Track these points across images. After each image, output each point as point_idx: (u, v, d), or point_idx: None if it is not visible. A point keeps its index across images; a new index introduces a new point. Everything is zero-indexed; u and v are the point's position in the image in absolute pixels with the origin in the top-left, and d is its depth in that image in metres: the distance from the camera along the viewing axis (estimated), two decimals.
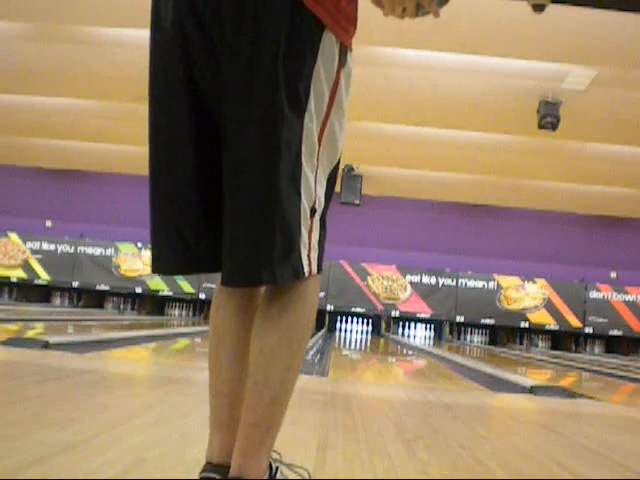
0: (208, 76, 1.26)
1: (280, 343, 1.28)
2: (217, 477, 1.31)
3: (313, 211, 1.29)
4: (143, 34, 6.89)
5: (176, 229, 1.31)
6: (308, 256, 1.29)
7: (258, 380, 1.28)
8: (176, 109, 1.29)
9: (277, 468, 1.42)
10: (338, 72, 1.33)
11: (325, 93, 1.29)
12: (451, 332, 14.02)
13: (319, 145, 1.30)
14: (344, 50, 1.34)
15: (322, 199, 1.32)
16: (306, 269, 1.28)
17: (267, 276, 1.24)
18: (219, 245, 1.28)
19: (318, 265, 1.32)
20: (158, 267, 1.36)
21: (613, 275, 14.49)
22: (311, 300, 1.32)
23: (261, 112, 1.22)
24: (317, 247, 1.32)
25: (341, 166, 1.46)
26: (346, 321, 14.34)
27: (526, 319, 13.89)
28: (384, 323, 14.10)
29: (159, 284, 13.92)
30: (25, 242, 14.00)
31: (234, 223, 1.24)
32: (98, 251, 14.03)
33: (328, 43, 1.28)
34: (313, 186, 1.28)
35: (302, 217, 1.26)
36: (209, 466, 1.36)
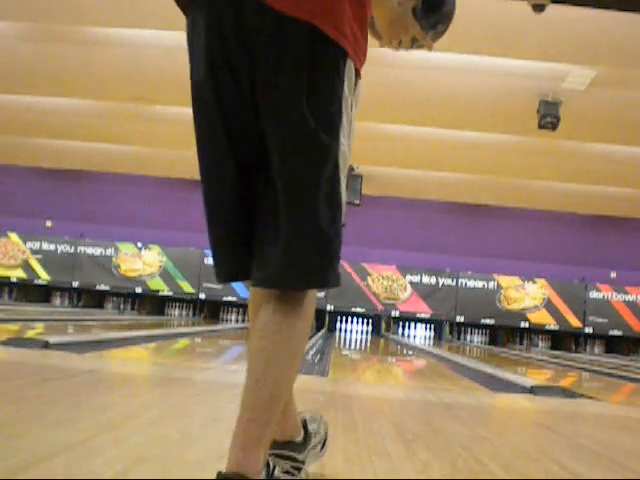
0: (244, 111, 1.38)
1: (283, 342, 1.33)
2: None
3: (339, 209, 1.39)
4: (143, 34, 6.91)
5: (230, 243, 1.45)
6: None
7: (259, 377, 1.32)
8: (218, 149, 1.51)
9: (274, 466, 1.47)
10: (354, 93, 1.46)
11: (350, 113, 1.43)
12: (451, 332, 14.02)
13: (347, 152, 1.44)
14: (358, 75, 1.47)
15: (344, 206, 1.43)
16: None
17: (319, 281, 1.36)
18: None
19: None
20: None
21: (613, 275, 14.49)
22: (313, 302, 1.40)
23: (300, 140, 1.33)
24: None
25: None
26: (346, 321, 14.34)
27: (526, 319, 13.89)
28: (384, 323, 14.10)
29: (159, 284, 13.93)
30: (25, 242, 14.00)
31: (288, 237, 1.34)
32: (98, 251, 14.03)
33: (349, 68, 1.40)
34: (344, 196, 1.41)
35: (335, 213, 1.37)
36: None
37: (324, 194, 1.34)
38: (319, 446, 1.69)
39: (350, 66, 1.40)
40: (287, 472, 1.53)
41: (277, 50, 1.31)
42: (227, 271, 1.46)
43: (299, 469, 1.56)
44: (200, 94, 1.41)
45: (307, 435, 1.65)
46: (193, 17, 1.40)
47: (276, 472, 1.47)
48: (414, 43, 1.72)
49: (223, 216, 1.44)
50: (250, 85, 1.35)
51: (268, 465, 1.45)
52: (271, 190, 1.35)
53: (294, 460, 1.56)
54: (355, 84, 1.45)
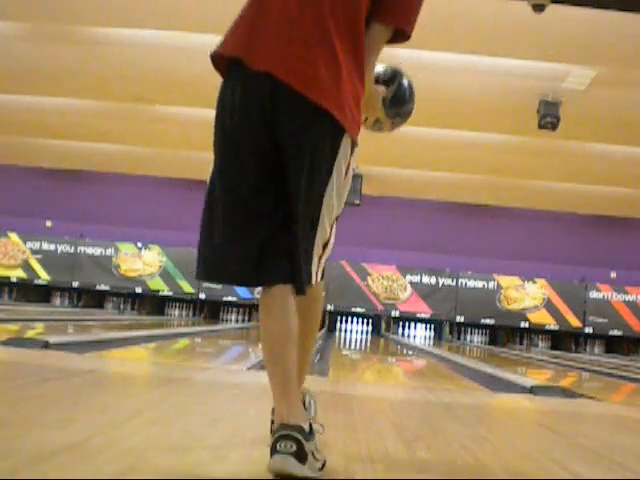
0: (269, 155, 1.80)
1: (308, 326, 1.95)
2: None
3: (325, 245, 1.86)
4: (143, 34, 6.90)
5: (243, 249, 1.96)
6: (316, 273, 1.85)
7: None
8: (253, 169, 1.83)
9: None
10: (349, 158, 1.85)
11: (342, 172, 1.83)
12: (451, 332, 14.02)
13: (336, 204, 1.85)
14: (354, 144, 1.85)
15: (332, 238, 1.89)
16: (314, 280, 1.85)
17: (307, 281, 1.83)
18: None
19: (322, 275, 1.92)
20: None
21: (613, 275, 14.49)
22: (321, 295, 1.99)
23: (304, 193, 1.78)
24: (323, 264, 1.89)
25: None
26: (346, 321, 14.34)
27: (526, 319, 13.89)
28: (384, 323, 14.10)
29: (159, 284, 13.93)
30: (25, 242, 14.00)
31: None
32: (98, 251, 14.03)
33: (345, 141, 1.80)
34: (328, 230, 1.86)
35: (315, 250, 1.83)
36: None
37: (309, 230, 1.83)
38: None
39: (347, 139, 1.80)
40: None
41: (298, 123, 1.75)
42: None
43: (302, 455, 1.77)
44: (235, 138, 1.81)
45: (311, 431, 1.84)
46: (231, 84, 1.81)
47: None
48: (375, 124, 2.12)
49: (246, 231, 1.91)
50: (276, 138, 1.77)
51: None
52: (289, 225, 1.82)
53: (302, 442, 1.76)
54: (352, 150, 1.85)
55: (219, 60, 1.85)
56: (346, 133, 1.79)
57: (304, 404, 1.94)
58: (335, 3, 1.75)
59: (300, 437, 1.63)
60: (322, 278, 1.91)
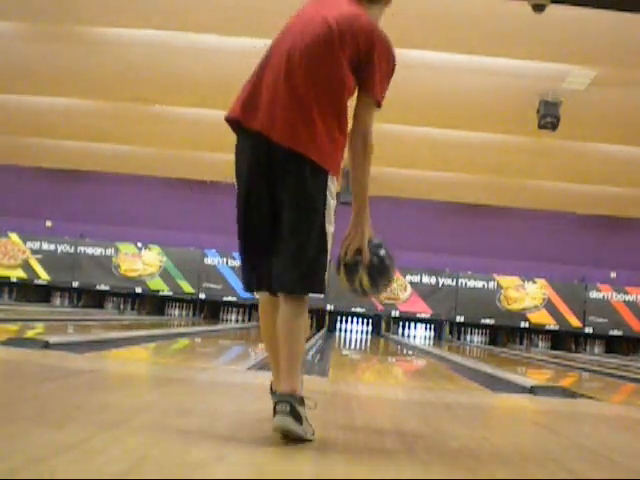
0: (269, 195, 2.33)
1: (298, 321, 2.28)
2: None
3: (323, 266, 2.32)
4: (143, 34, 6.89)
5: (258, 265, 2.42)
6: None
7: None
8: (260, 212, 2.38)
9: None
10: (333, 188, 2.34)
11: (331, 203, 2.33)
12: (451, 332, 14.02)
13: (330, 226, 2.35)
14: (335, 178, 2.34)
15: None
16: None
17: (318, 289, 2.29)
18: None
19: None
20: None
21: (613, 275, 14.49)
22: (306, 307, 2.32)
23: (302, 223, 2.27)
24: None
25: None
26: (346, 321, 14.34)
27: (526, 319, 13.89)
28: (384, 323, 14.10)
29: (159, 284, 13.93)
30: (25, 242, 14.00)
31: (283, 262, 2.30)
32: (98, 251, 14.03)
33: (330, 177, 2.31)
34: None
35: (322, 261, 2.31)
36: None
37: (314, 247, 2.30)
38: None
39: (332, 176, 2.31)
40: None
41: (289, 167, 2.25)
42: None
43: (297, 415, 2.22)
44: (247, 183, 2.40)
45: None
46: (242, 139, 2.37)
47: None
48: (356, 290, 2.40)
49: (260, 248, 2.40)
50: (274, 182, 2.28)
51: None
52: (284, 242, 2.28)
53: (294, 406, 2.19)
54: (337, 181, 2.36)
55: (229, 121, 2.37)
56: (327, 170, 2.27)
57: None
58: (317, 81, 2.26)
59: (293, 401, 2.06)
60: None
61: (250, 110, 2.29)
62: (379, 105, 2.40)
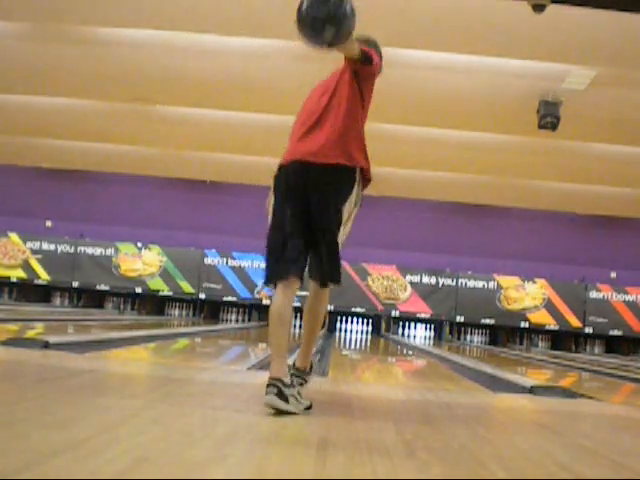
0: (308, 203, 2.84)
1: (320, 312, 3.03)
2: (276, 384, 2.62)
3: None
4: (143, 34, 6.88)
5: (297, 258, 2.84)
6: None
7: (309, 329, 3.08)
8: (299, 217, 2.84)
9: (311, 367, 3.16)
10: (359, 193, 2.98)
11: (353, 204, 2.95)
12: (451, 332, 14.03)
13: (346, 226, 2.93)
14: (367, 179, 3.03)
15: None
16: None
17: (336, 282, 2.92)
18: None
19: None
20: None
21: (613, 275, 14.49)
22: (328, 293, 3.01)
23: (327, 222, 2.85)
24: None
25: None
26: (346, 321, 14.34)
27: (526, 319, 13.90)
28: (384, 323, 14.10)
29: (159, 284, 13.93)
30: (25, 242, 14.01)
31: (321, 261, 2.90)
32: (98, 251, 14.03)
33: (359, 176, 2.94)
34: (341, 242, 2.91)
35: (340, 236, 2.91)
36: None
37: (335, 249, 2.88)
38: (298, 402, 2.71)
39: (359, 181, 2.94)
40: (300, 384, 3.00)
41: (324, 179, 2.82)
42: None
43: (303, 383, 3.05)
44: (289, 198, 2.85)
45: (311, 369, 3.16)
46: (285, 169, 2.91)
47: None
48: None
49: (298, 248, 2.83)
50: (308, 195, 2.83)
51: (311, 366, 3.18)
52: (317, 244, 2.85)
53: (304, 378, 3.09)
54: (364, 184, 3.01)
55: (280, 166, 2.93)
56: (357, 169, 2.90)
57: (310, 368, 3.16)
58: (327, 107, 2.85)
59: (280, 385, 2.59)
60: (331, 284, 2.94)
61: (290, 149, 3.04)
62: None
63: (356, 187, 2.90)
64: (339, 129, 2.80)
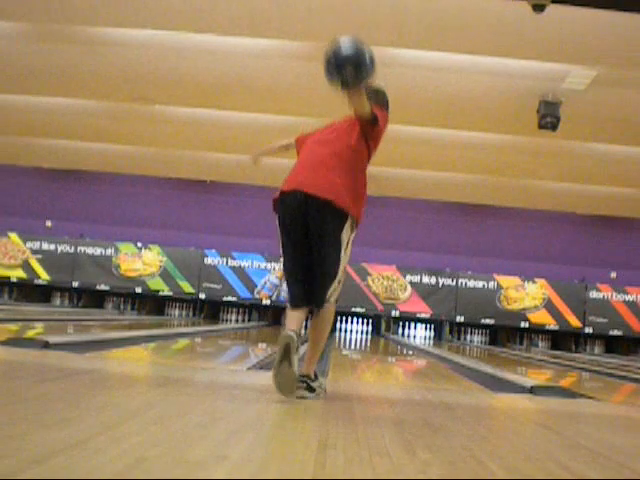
0: (306, 234, 3.20)
1: (323, 328, 3.31)
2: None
3: (339, 282, 3.28)
4: (143, 34, 6.89)
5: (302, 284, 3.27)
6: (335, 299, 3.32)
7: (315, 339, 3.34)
8: (299, 246, 3.24)
9: (315, 374, 3.32)
10: (353, 231, 3.29)
11: (349, 240, 3.27)
12: (451, 332, 14.03)
13: (345, 258, 3.28)
14: (357, 223, 3.30)
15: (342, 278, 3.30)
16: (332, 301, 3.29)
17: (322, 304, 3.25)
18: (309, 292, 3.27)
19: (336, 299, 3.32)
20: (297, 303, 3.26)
21: (613, 275, 14.49)
22: (333, 312, 3.33)
23: (326, 254, 3.21)
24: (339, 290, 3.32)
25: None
26: (346, 321, 14.35)
27: (526, 319, 13.90)
28: (384, 323, 14.10)
29: (159, 284, 13.93)
30: (25, 242, 14.01)
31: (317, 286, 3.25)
32: (98, 251, 14.03)
33: (350, 221, 3.22)
34: (341, 274, 3.28)
35: (335, 284, 3.25)
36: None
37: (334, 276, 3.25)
38: (322, 391, 3.30)
39: (352, 219, 3.23)
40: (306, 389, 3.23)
41: (321, 214, 3.14)
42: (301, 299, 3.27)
43: (311, 389, 3.24)
44: (288, 230, 3.22)
45: (315, 377, 3.30)
46: (283, 200, 3.21)
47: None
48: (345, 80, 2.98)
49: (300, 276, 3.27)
50: (307, 228, 3.18)
51: (315, 374, 3.31)
52: (316, 272, 3.23)
53: (309, 384, 3.25)
54: (357, 225, 3.29)
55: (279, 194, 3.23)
56: (349, 215, 3.19)
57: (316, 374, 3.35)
58: (334, 152, 3.24)
59: (307, 380, 3.19)
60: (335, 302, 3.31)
61: (290, 178, 3.37)
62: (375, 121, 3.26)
63: (348, 225, 3.22)
64: (342, 181, 3.17)
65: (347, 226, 3.18)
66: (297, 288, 3.24)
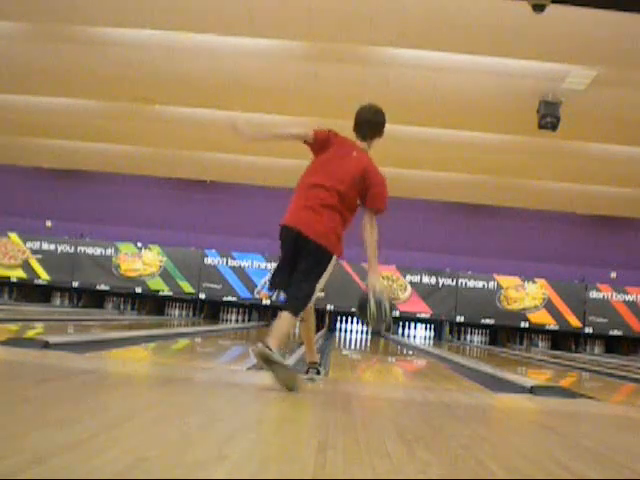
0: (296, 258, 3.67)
1: (308, 326, 3.94)
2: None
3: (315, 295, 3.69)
4: (143, 34, 6.89)
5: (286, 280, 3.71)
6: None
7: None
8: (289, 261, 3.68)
9: (308, 369, 4.02)
10: (333, 264, 3.69)
11: (328, 271, 3.66)
12: (451, 332, 14.03)
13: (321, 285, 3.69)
14: (337, 257, 3.70)
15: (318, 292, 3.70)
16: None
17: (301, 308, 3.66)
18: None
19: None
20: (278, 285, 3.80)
21: (613, 275, 14.49)
22: (311, 312, 3.90)
23: (304, 282, 3.65)
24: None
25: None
26: (346, 321, 14.34)
27: (526, 319, 13.90)
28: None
29: (159, 284, 13.93)
30: (25, 242, 14.01)
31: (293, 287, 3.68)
32: (98, 251, 14.03)
33: (333, 258, 3.66)
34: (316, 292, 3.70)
35: (314, 294, 3.66)
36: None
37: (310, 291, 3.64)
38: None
39: (334, 257, 3.66)
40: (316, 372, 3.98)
41: (308, 250, 3.59)
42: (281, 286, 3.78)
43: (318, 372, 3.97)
44: (285, 252, 3.69)
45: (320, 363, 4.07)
46: (284, 230, 3.67)
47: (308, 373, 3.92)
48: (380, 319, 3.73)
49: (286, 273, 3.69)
50: (297, 254, 3.64)
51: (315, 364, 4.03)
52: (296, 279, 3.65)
53: (317, 369, 3.99)
54: (337, 260, 3.72)
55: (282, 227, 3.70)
56: (331, 253, 3.63)
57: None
58: (326, 198, 3.63)
59: (317, 367, 3.97)
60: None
61: (288, 216, 3.79)
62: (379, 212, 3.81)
63: (332, 262, 3.70)
64: (333, 226, 3.64)
65: (330, 258, 3.65)
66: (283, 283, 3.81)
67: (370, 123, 3.86)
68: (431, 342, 13.39)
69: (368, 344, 11.49)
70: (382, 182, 3.79)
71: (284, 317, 3.51)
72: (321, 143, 3.73)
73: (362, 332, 14.21)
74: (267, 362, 3.24)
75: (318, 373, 3.93)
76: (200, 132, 11.84)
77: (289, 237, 3.64)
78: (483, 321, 13.98)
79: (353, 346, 10.43)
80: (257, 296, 13.90)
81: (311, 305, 3.74)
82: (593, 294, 13.99)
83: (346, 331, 14.16)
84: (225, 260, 13.96)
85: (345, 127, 3.98)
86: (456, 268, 14.19)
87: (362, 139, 3.86)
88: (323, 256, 3.62)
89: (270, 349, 3.26)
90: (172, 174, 14.61)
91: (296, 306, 3.58)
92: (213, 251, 14.03)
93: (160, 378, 3.82)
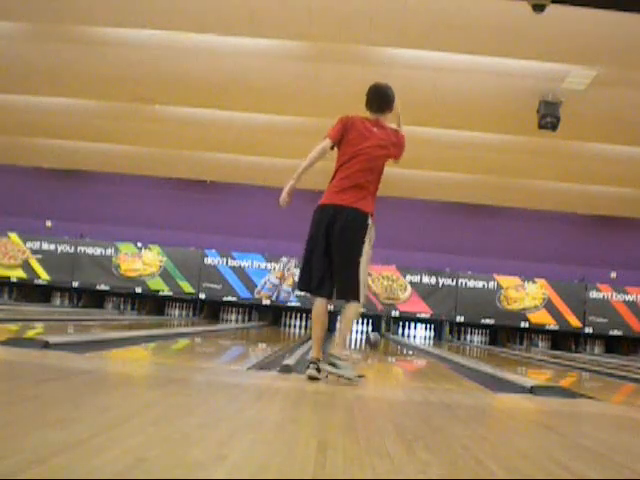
0: (330, 239, 4.06)
1: (348, 318, 4.30)
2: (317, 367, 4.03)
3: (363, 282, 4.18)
4: (143, 34, 6.89)
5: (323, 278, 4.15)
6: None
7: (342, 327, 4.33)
8: (321, 246, 4.07)
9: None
10: (372, 228, 4.13)
11: (372, 239, 4.18)
12: (451, 332, 14.03)
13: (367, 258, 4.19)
14: (373, 222, 4.13)
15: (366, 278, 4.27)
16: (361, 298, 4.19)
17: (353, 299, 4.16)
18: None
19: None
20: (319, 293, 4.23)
21: (613, 275, 14.49)
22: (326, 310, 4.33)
23: (349, 255, 4.16)
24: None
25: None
26: None
27: (526, 319, 13.90)
28: (384, 323, 14.10)
29: (159, 284, 13.93)
30: (25, 242, 14.00)
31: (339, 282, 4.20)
32: (98, 251, 14.03)
33: (370, 220, 4.12)
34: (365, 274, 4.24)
35: (362, 283, 4.17)
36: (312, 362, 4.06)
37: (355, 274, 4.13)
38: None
39: (371, 219, 4.09)
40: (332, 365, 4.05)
41: (348, 218, 4.02)
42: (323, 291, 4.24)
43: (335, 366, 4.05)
44: (318, 234, 4.02)
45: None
46: (322, 209, 4.05)
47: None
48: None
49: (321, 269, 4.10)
50: (331, 233, 4.05)
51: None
52: (337, 267, 4.14)
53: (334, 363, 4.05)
54: (374, 223, 4.12)
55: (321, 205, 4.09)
56: (365, 211, 4.00)
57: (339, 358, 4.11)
58: (366, 174, 4.10)
59: (317, 363, 4.06)
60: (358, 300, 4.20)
61: (328, 195, 4.20)
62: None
63: (370, 224, 4.08)
64: (371, 195, 4.12)
65: (370, 223, 4.07)
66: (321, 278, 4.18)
67: (382, 98, 4.38)
68: (431, 342, 13.39)
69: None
70: (403, 143, 4.76)
71: (352, 309, 4.06)
72: (341, 136, 4.11)
73: (362, 332, 14.20)
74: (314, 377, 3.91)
75: (318, 370, 4.03)
76: (200, 132, 11.84)
77: (325, 215, 3.96)
78: (483, 321, 13.98)
79: (353, 346, 10.43)
80: (257, 296, 13.89)
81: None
82: (593, 294, 13.99)
83: None
84: (225, 260, 13.96)
85: None
86: (456, 268, 14.19)
87: (375, 113, 4.32)
88: (357, 216, 3.95)
89: (335, 360, 3.99)
90: (172, 174, 14.61)
91: (353, 294, 4.03)
92: (213, 251, 14.03)
93: (160, 378, 3.82)
